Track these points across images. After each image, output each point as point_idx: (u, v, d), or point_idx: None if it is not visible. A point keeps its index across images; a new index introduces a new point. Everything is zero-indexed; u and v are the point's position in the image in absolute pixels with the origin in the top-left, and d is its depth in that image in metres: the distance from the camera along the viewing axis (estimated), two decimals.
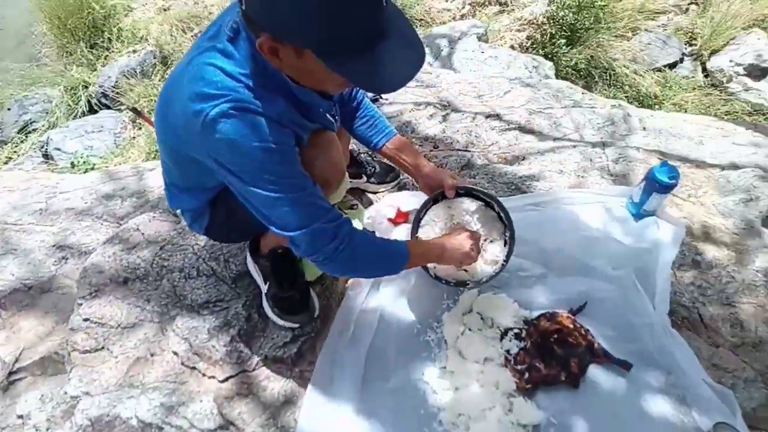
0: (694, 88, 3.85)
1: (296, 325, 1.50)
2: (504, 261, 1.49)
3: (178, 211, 1.62)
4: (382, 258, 1.25)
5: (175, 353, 1.52)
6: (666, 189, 1.67)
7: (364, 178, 1.89)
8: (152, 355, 1.54)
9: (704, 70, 4.06)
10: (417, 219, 1.56)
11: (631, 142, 2.21)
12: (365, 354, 1.48)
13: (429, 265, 1.48)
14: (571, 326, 1.44)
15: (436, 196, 1.55)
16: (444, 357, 1.46)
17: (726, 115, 3.66)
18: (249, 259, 1.58)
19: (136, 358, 1.49)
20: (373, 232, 1.75)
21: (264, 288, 1.53)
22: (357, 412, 1.37)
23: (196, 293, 1.61)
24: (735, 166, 2.04)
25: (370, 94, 2.42)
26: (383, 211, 1.72)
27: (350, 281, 1.64)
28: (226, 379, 1.46)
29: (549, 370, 1.38)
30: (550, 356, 1.40)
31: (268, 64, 0.97)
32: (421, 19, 4.45)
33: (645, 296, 1.53)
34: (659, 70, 4.01)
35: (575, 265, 1.61)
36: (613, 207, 1.80)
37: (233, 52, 1.00)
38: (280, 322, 1.50)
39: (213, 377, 1.46)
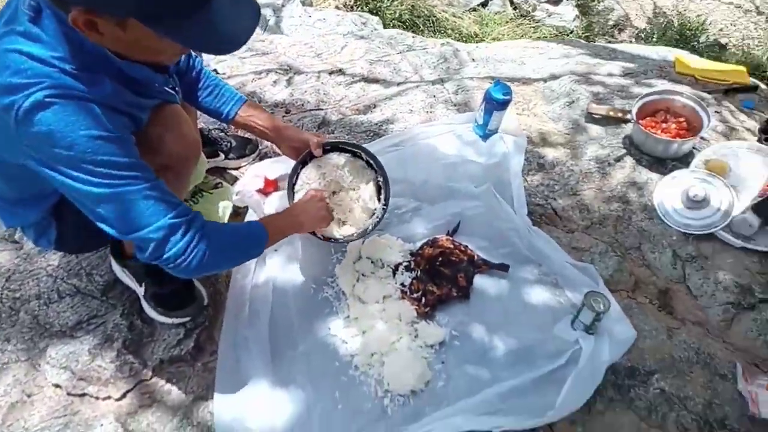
0: (507, 22, 4.21)
1: (187, 319, 1.41)
2: (384, 205, 1.54)
3: (18, 230, 1.42)
4: (240, 245, 1.16)
5: (57, 385, 1.36)
6: (503, 105, 1.83)
7: (222, 156, 1.81)
8: (29, 396, 1.36)
9: (512, 3, 4.44)
10: (290, 185, 1.53)
11: (465, 73, 2.38)
12: (267, 327, 1.45)
13: None
14: (452, 246, 1.55)
15: (304, 157, 1.53)
16: (345, 307, 1.49)
17: (538, 39, 4.07)
18: (115, 265, 1.45)
19: (11, 404, 1.31)
20: (246, 208, 1.70)
21: (140, 290, 1.41)
22: (273, 386, 1.35)
23: (63, 317, 1.44)
24: (554, 77, 2.30)
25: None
26: (250, 184, 1.67)
27: None
28: (124, 395, 1.34)
29: (441, 289, 1.47)
30: (440, 277, 1.49)
31: (86, 40, 0.86)
32: None
33: (506, 204, 1.69)
34: (474, 9, 4.31)
35: (443, 191, 1.72)
36: (462, 133, 1.94)
37: (39, 33, 0.87)
38: (168, 320, 1.40)
39: (108, 397, 1.34)
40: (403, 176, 1.72)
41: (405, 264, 1.54)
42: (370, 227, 1.52)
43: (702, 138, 1.89)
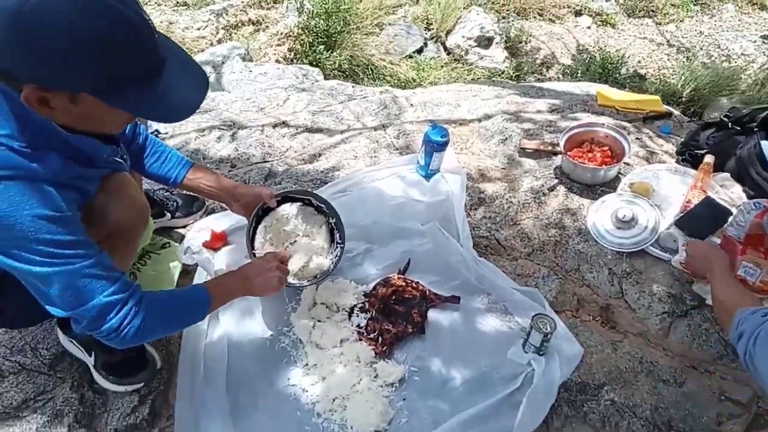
0: (442, 66, 4.47)
1: (140, 385, 1.41)
2: (340, 244, 1.62)
3: None
4: (179, 313, 1.20)
5: None
6: (441, 146, 1.96)
7: (168, 215, 1.84)
8: None
9: (445, 48, 4.73)
10: (249, 241, 1.58)
11: (404, 118, 2.52)
12: (225, 385, 1.46)
13: None
14: (404, 283, 1.62)
15: (257, 212, 1.59)
16: (303, 355, 1.52)
17: (472, 81, 4.34)
18: (62, 337, 1.44)
19: None
20: (196, 265, 1.73)
21: (90, 360, 1.40)
22: None
23: (7, 397, 1.40)
24: (488, 116, 2.48)
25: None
26: (196, 239, 1.71)
27: None
28: None
29: (397, 327, 1.53)
30: (395, 315, 1.56)
31: (33, 117, 0.89)
32: None
33: (452, 239, 1.79)
34: (410, 56, 4.56)
35: (392, 231, 1.81)
36: (406, 174, 2.05)
37: None
38: (120, 388, 1.39)
39: None
40: (353, 220, 1.79)
41: (360, 305, 1.60)
42: (332, 267, 1.59)
43: (625, 163, 2.07)
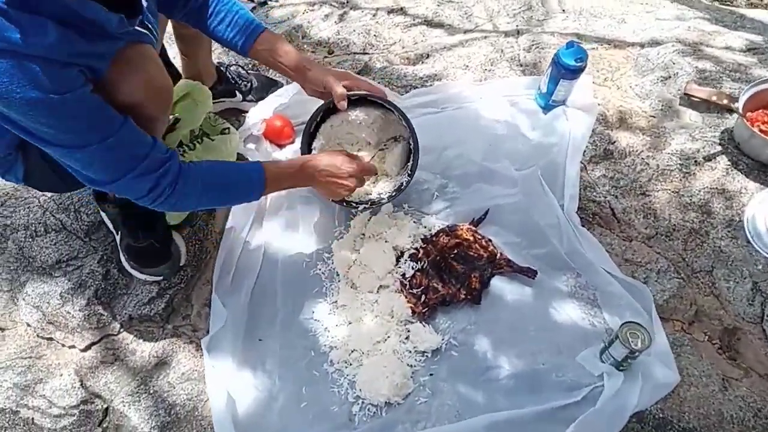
0: None
1: (158, 278, 1.36)
2: (409, 174, 1.39)
3: None
4: (227, 186, 1.14)
5: (29, 324, 1.37)
6: (573, 73, 1.56)
7: (239, 96, 1.70)
8: (2, 330, 1.39)
9: None
10: (307, 138, 1.41)
11: (548, 27, 2.08)
12: (248, 297, 1.37)
13: None
14: (472, 238, 1.36)
15: (328, 104, 1.37)
16: (336, 290, 1.37)
17: None
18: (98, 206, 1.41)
19: None
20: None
21: (117, 238, 1.37)
22: (239, 365, 1.27)
23: (45, 253, 1.43)
24: (655, 42, 1.95)
25: None
26: (258, 127, 1.56)
27: (229, 219, 1.49)
28: (89, 347, 1.33)
29: (448, 288, 1.31)
30: (450, 274, 1.33)
31: None
32: None
33: (552, 195, 1.46)
34: None
35: (477, 171, 1.52)
36: (519, 100, 1.69)
37: None
38: (140, 276, 1.35)
39: (73, 346, 1.33)
40: (433, 145, 1.52)
41: (412, 251, 1.38)
42: (388, 196, 1.41)
43: None
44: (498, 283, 1.35)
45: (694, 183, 1.52)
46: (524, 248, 1.41)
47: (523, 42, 1.98)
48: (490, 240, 1.38)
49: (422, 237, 1.41)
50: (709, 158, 1.55)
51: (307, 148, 1.42)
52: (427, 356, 1.25)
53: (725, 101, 1.63)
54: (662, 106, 1.73)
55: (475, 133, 1.59)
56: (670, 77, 1.79)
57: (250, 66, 1.85)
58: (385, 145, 1.48)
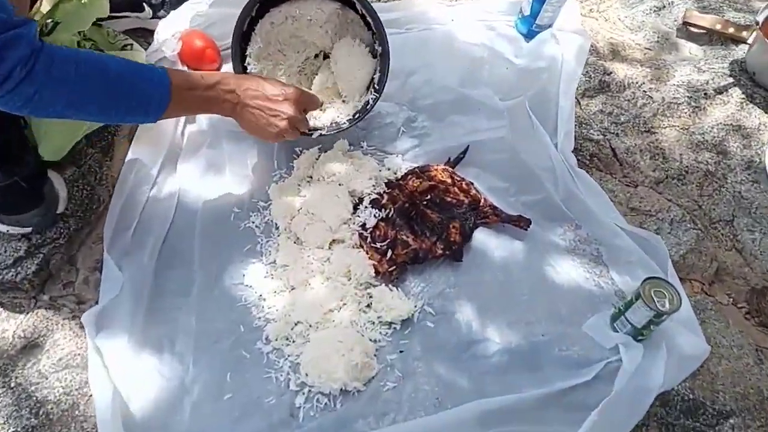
0: None
1: (27, 230, 1.00)
2: (376, 90, 1.11)
3: None
4: (117, 81, 0.81)
5: None
6: None
7: (148, 11, 1.34)
8: None
9: None
10: (237, 44, 1.09)
11: None
12: (156, 256, 1.05)
13: None
14: (449, 180, 1.09)
15: None
16: (274, 247, 1.05)
17: None
18: None
19: None
20: None
21: None
22: (139, 346, 0.94)
23: None
24: None
25: None
26: (170, 44, 1.22)
27: (127, 157, 1.14)
28: None
29: (420, 242, 1.02)
30: (422, 224, 1.04)
31: None
32: None
33: (544, 132, 1.21)
34: None
35: (452, 99, 1.24)
36: (498, 26, 1.42)
37: None
38: (2, 227, 0.99)
39: None
40: (397, 70, 1.23)
41: (374, 197, 1.08)
42: (346, 123, 1.11)
43: None
44: (482, 237, 1.07)
45: (705, 119, 1.30)
46: (512, 195, 1.15)
47: None
48: (471, 183, 1.11)
49: (386, 180, 1.11)
50: (720, 91, 1.33)
51: (238, 62, 1.10)
52: (395, 328, 0.96)
53: (732, 30, 1.42)
54: (658, 38, 1.51)
55: (449, 56, 1.32)
56: (664, 7, 1.58)
57: None
58: (346, 53, 1.16)
